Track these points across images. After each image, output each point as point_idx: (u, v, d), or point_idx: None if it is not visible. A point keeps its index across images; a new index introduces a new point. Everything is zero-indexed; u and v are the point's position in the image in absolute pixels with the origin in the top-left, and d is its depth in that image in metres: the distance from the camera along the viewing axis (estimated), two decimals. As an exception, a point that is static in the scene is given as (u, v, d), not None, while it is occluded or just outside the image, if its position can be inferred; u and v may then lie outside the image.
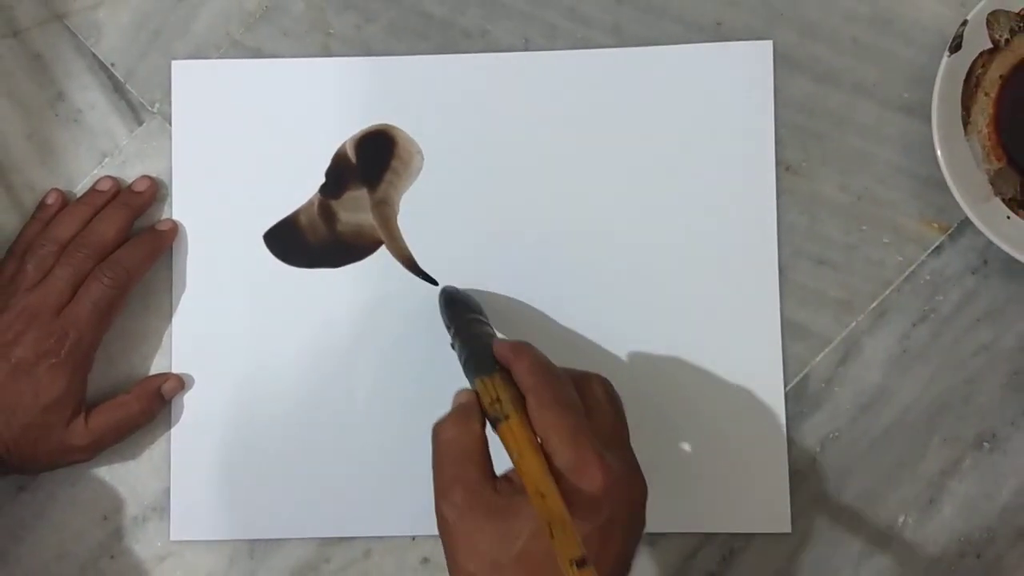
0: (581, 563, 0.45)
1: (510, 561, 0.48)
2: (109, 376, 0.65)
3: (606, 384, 0.55)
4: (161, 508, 0.65)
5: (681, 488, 0.63)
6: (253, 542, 0.64)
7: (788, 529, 0.62)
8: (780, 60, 0.64)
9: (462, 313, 0.59)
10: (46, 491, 0.65)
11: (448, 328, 0.59)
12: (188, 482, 0.64)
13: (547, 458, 0.49)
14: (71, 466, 0.63)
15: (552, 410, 0.50)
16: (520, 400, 0.51)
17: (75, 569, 0.65)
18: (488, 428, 0.52)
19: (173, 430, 0.65)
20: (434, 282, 0.64)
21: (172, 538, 0.64)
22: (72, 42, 0.66)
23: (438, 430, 0.52)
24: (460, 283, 0.64)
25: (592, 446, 0.49)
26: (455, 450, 0.51)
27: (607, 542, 0.49)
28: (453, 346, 0.58)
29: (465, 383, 0.55)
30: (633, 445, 0.62)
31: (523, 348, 0.53)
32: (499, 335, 0.58)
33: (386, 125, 0.65)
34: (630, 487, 0.51)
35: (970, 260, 0.63)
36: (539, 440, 0.50)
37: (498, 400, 0.51)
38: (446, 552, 0.50)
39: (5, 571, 0.65)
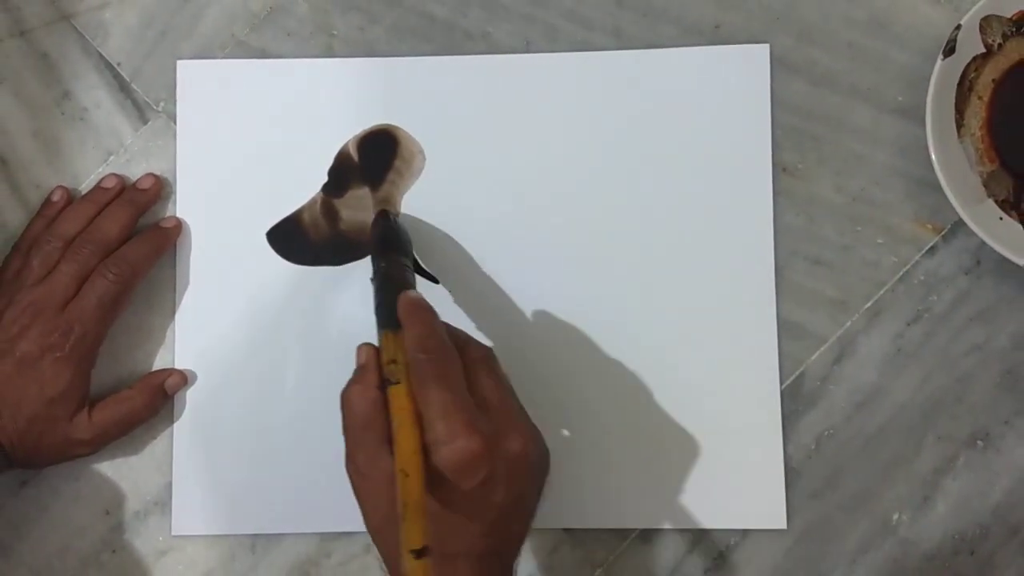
0: (420, 553, 0.48)
1: None
2: (112, 371, 0.65)
3: (484, 349, 0.57)
4: (163, 503, 0.65)
5: (678, 484, 0.63)
6: (254, 537, 0.65)
7: (783, 525, 0.63)
8: (777, 63, 0.65)
9: (390, 253, 0.60)
10: (49, 485, 0.65)
11: (373, 262, 0.60)
12: (190, 477, 0.65)
13: (422, 432, 0.51)
14: (74, 460, 0.64)
15: (430, 387, 0.51)
16: None
17: (77, 563, 0.65)
18: None
19: (175, 425, 0.65)
20: (435, 280, 0.64)
21: (173, 533, 0.65)
22: (79, 42, 0.67)
23: (343, 395, 0.54)
24: (460, 282, 0.65)
25: (463, 417, 0.51)
26: (356, 417, 0.53)
27: (487, 497, 0.52)
28: (372, 281, 0.58)
29: None
30: (630, 441, 0.63)
31: (417, 313, 0.54)
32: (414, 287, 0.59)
33: (388, 125, 0.66)
34: (505, 442, 0.53)
35: (963, 261, 0.64)
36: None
37: (394, 362, 0.53)
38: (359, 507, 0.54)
39: (7, 565, 0.65)
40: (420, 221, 0.65)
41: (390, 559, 0.53)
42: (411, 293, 0.56)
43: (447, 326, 0.56)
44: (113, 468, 0.65)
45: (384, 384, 0.53)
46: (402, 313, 0.54)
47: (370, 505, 0.54)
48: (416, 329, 0.54)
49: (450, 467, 0.50)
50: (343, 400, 0.54)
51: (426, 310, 0.55)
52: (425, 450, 0.50)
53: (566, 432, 0.64)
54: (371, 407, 0.53)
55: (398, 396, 0.52)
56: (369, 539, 0.64)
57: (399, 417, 0.51)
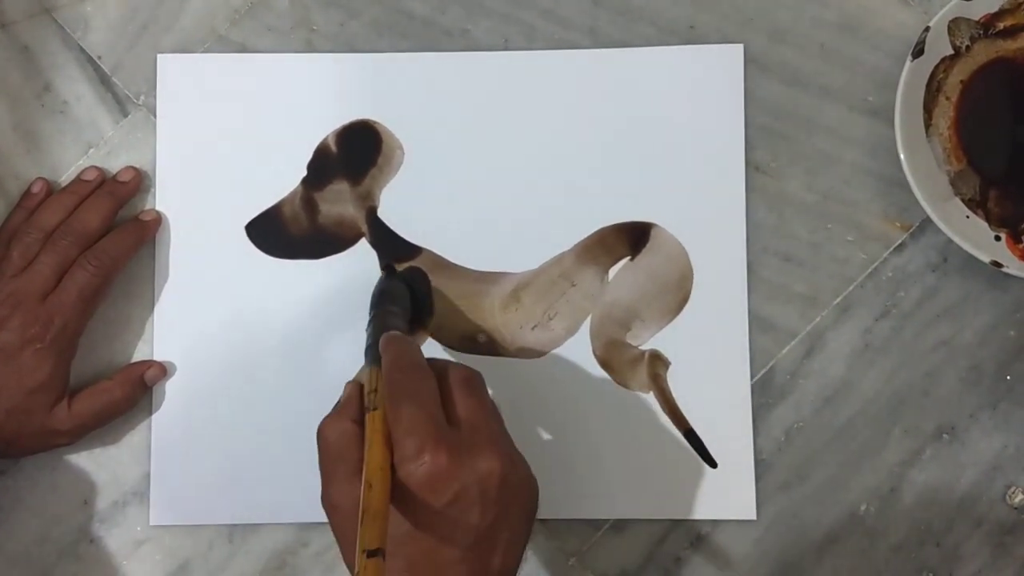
0: (373, 554, 0.47)
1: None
2: (91, 362, 0.66)
3: (466, 371, 0.56)
4: (141, 493, 0.65)
5: (650, 476, 0.64)
6: (232, 527, 0.65)
7: (753, 516, 0.64)
8: (751, 63, 0.66)
9: (382, 303, 0.62)
10: (27, 476, 0.66)
11: (369, 313, 0.62)
12: (168, 468, 0.65)
13: (391, 450, 0.51)
14: (53, 450, 0.64)
15: (401, 404, 0.52)
16: None
17: (55, 553, 0.65)
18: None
19: (154, 416, 0.66)
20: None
21: (152, 523, 0.65)
22: (60, 35, 0.67)
23: (319, 429, 0.54)
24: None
25: (431, 432, 0.50)
26: (331, 448, 0.53)
27: (461, 518, 0.50)
28: (366, 329, 0.60)
29: None
30: (603, 433, 0.64)
31: (392, 341, 0.55)
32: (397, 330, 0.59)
33: (368, 119, 0.67)
34: (476, 460, 0.51)
35: (931, 258, 0.65)
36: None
37: (374, 391, 0.54)
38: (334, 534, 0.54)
39: (-15, 554, 0.65)
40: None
41: None
42: (393, 331, 0.57)
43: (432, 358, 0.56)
44: (91, 458, 0.66)
45: (363, 415, 0.53)
46: (381, 345, 0.55)
47: (344, 539, 0.52)
48: (391, 354, 0.54)
49: (416, 483, 0.50)
50: (318, 433, 0.54)
51: (403, 340, 0.56)
52: (394, 468, 0.50)
53: (540, 425, 0.65)
54: (344, 439, 0.53)
55: (373, 420, 0.52)
56: (346, 529, 0.65)
57: (370, 438, 0.51)
